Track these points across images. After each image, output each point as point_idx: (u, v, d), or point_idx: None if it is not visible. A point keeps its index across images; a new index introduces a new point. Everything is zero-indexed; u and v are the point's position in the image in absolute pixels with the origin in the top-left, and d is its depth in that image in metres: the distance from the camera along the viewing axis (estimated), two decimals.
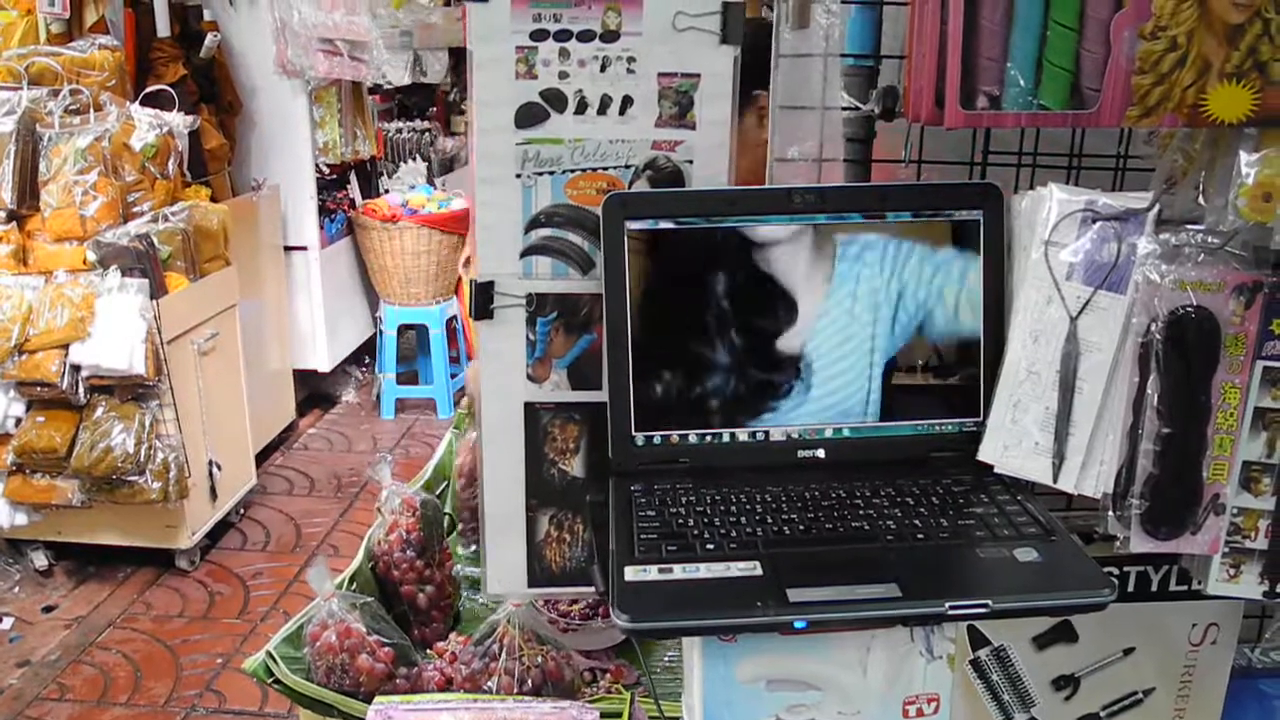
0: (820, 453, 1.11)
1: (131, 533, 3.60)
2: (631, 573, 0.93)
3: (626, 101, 1.13)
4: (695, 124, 1.14)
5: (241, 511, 4.07)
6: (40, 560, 3.67)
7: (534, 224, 1.16)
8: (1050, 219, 1.02)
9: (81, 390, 3.30)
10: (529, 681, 1.43)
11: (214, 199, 3.92)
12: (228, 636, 3.34)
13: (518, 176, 1.14)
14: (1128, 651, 1.20)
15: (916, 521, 0.99)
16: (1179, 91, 0.94)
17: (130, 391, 3.39)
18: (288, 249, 4.73)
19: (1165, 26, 0.93)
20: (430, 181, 5.68)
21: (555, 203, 1.15)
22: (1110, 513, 1.02)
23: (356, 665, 1.49)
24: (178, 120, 3.66)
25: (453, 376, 5.15)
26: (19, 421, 3.35)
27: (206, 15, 4.28)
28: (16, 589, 3.59)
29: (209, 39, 4.17)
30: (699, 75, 1.12)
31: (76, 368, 3.27)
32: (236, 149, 4.50)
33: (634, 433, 1.10)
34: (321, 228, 4.82)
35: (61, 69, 3.42)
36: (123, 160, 3.44)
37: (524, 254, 1.17)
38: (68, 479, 3.38)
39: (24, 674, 3.14)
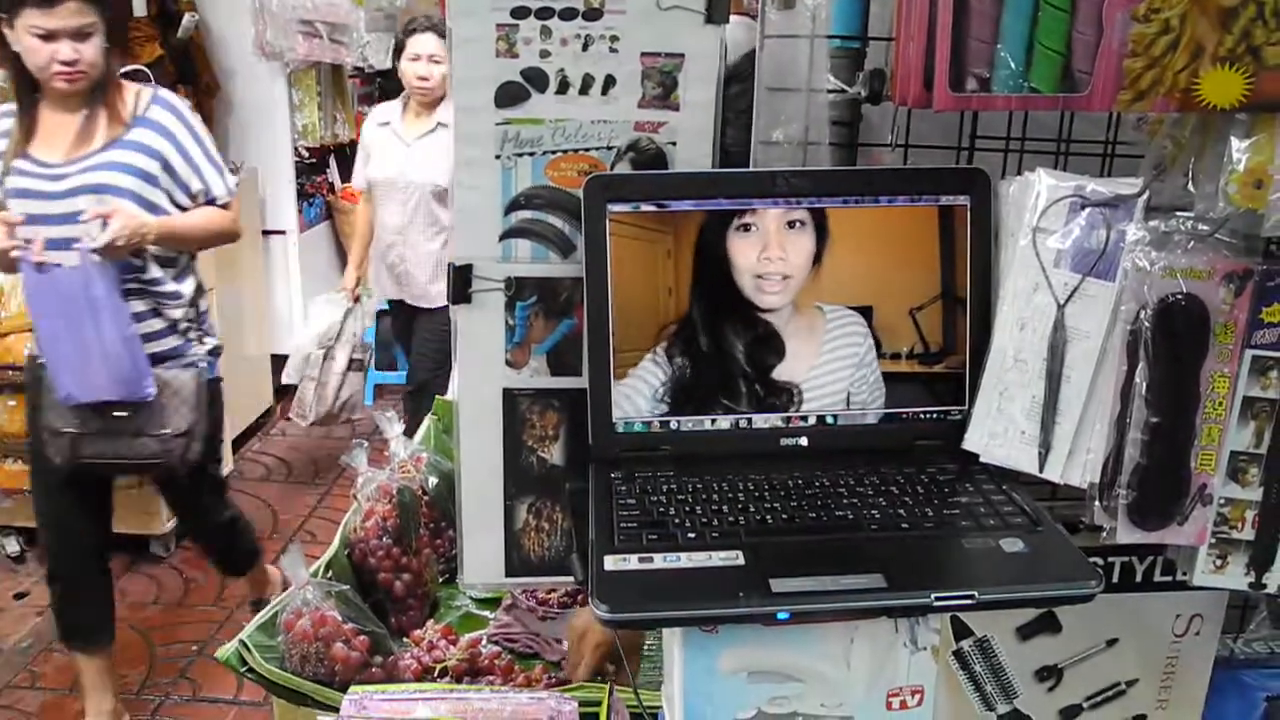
0: (804, 441, 1.10)
1: None
2: (611, 562, 0.91)
3: (609, 81, 1.10)
4: (679, 105, 1.12)
5: None
6: (12, 546, 3.63)
7: (514, 206, 1.14)
8: (1039, 205, 1.00)
9: None
10: None
11: None
12: (203, 624, 3.31)
13: (497, 157, 1.12)
14: (1111, 642, 1.19)
15: (901, 511, 0.98)
16: (1171, 75, 0.92)
17: None
18: (266, 233, 4.69)
19: (1158, 9, 0.91)
20: None
21: (535, 184, 1.13)
22: (1096, 503, 1.01)
23: (331, 654, 1.47)
24: None
25: None
26: None
27: None
28: None
29: (186, 19, 4.11)
30: (683, 56, 1.10)
31: None
32: (214, 131, 4.41)
33: (614, 419, 1.08)
34: (300, 212, 4.77)
35: None
36: None
37: (503, 236, 1.14)
38: None
39: None
